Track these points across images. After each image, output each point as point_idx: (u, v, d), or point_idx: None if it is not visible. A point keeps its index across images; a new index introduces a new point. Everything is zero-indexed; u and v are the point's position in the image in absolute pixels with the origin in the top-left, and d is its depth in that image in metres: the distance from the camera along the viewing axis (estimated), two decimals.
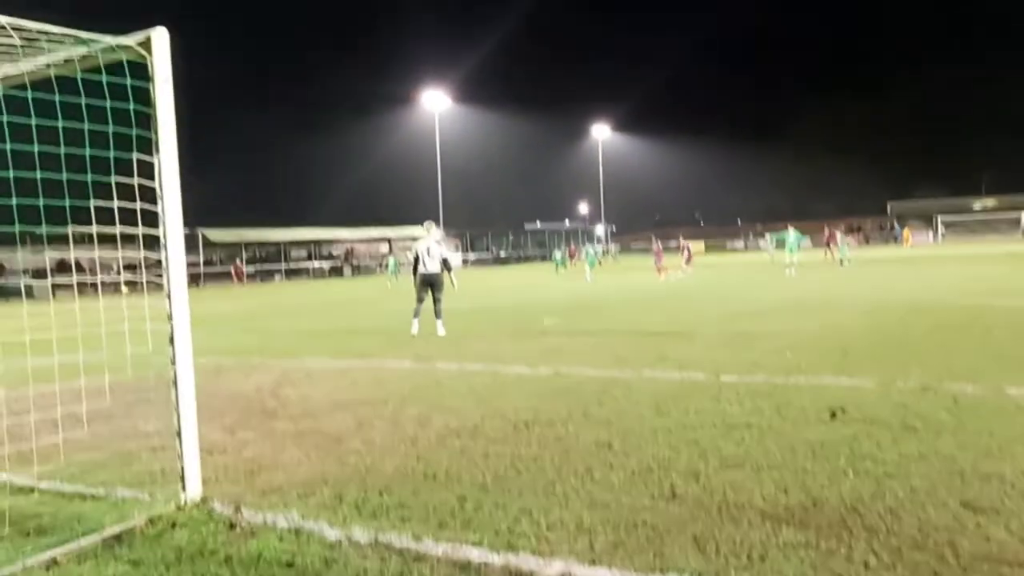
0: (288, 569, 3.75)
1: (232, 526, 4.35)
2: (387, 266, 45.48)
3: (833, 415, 6.28)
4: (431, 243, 14.05)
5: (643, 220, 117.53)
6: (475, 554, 3.84)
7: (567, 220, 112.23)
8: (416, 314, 13.90)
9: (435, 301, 13.92)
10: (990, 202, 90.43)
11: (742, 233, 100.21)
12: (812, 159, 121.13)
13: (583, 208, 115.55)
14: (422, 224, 14.73)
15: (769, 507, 4.32)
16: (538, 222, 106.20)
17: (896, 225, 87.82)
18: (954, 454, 5.12)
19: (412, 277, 14.33)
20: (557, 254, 48.23)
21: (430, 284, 13.92)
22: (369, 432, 6.51)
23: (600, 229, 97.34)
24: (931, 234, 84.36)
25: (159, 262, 4.90)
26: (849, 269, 32.04)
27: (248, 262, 57.62)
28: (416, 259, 14.04)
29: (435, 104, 71.23)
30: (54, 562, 3.90)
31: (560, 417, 6.67)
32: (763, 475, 4.88)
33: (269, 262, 60.40)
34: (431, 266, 13.91)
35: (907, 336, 10.81)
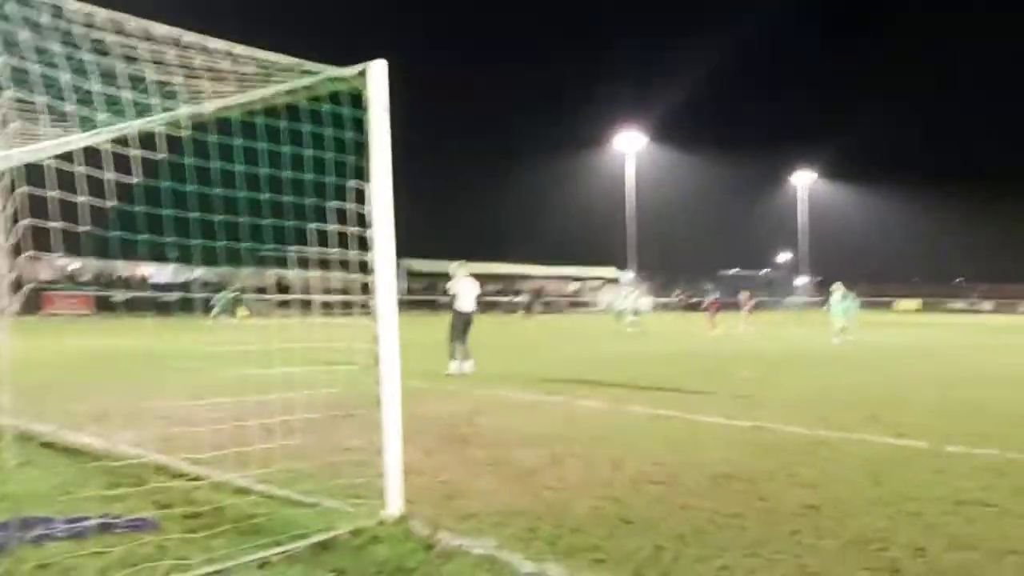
0: None
1: (429, 547, 4.42)
2: (218, 303, 33.29)
3: None
4: (468, 282, 14.44)
5: (851, 273, 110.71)
6: None
7: (766, 269, 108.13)
8: (454, 355, 14.00)
9: (465, 340, 14.16)
10: None
11: (963, 293, 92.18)
12: None
13: (783, 256, 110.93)
14: (452, 264, 14.82)
15: None
16: (734, 269, 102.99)
17: None
18: None
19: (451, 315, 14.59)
20: (620, 301, 34.99)
21: (467, 322, 14.29)
22: (562, 469, 6.45)
23: (802, 280, 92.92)
24: None
25: (365, 286, 5.11)
26: None
27: (444, 294, 60.02)
28: (453, 297, 14.47)
29: (629, 143, 71.28)
30: (267, 562, 4.11)
31: (762, 475, 6.30)
32: (1003, 561, 4.34)
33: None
34: (468, 305, 14.35)
35: None
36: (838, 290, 26.34)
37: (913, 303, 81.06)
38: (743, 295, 37.10)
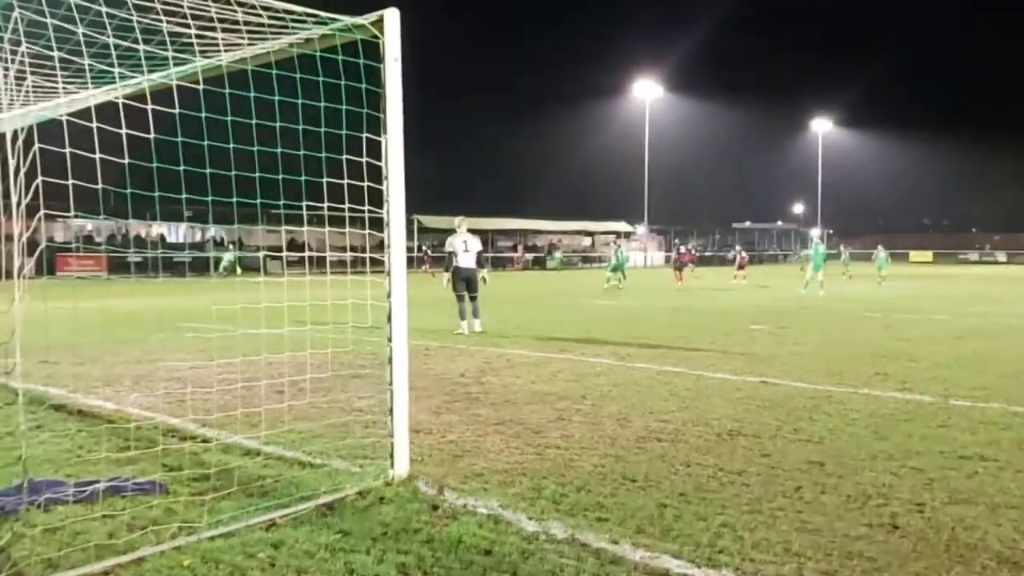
0: (486, 556, 3.79)
1: (435, 507, 4.48)
2: (220, 261, 38.33)
3: None
4: (467, 237, 13.98)
5: (865, 224, 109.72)
6: (674, 565, 3.70)
7: (779, 221, 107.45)
8: (462, 314, 13.73)
9: (471, 298, 13.87)
10: None
11: (976, 243, 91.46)
12: None
13: (797, 208, 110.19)
14: (455, 221, 14.25)
15: (1007, 551, 3.86)
16: (748, 222, 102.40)
17: None
18: None
19: (446, 274, 14.28)
20: (614, 255, 32.31)
21: (466, 279, 13.87)
22: (568, 427, 6.50)
23: (816, 232, 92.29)
24: None
25: (380, 244, 5.09)
26: None
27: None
28: (451, 254, 14.00)
29: (646, 93, 70.23)
30: (273, 524, 4.18)
31: (767, 430, 6.33)
32: (1000, 515, 4.37)
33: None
34: (467, 261, 13.87)
35: None
36: (818, 244, 28.20)
37: (926, 254, 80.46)
38: (737, 248, 38.43)
